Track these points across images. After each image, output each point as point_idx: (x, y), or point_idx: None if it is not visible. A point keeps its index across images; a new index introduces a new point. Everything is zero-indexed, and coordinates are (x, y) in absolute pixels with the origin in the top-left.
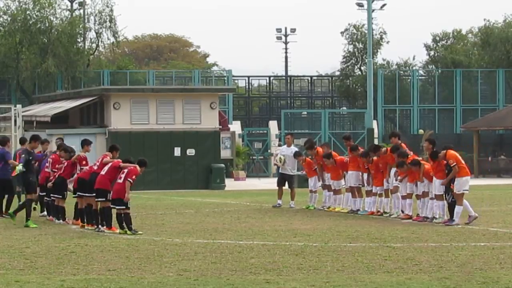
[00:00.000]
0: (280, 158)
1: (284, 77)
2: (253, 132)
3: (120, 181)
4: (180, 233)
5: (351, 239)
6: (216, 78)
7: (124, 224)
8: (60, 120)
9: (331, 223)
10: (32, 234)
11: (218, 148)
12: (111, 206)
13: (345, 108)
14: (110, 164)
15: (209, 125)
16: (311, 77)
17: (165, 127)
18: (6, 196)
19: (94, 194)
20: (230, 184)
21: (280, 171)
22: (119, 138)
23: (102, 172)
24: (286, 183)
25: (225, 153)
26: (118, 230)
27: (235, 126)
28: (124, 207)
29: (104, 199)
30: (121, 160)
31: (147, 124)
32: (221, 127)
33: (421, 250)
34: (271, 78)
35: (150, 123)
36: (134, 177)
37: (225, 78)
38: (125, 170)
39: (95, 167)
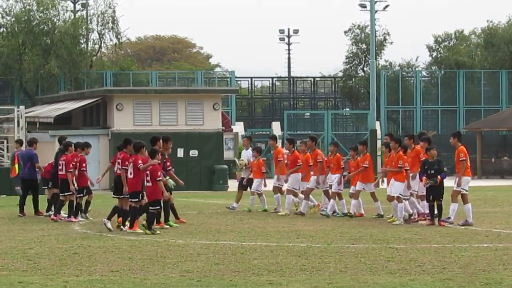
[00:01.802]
0: (248, 161)
1: (287, 78)
2: (256, 133)
3: (149, 184)
4: (183, 234)
5: (354, 240)
6: (219, 79)
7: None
8: (63, 121)
9: (334, 224)
10: (35, 235)
11: (221, 149)
12: (150, 208)
13: (348, 109)
14: (131, 165)
15: (212, 126)
16: (314, 78)
17: (168, 128)
18: (32, 195)
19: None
20: (233, 185)
21: (243, 175)
22: (122, 139)
23: (130, 176)
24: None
25: (228, 154)
26: (139, 230)
27: (238, 127)
28: (158, 207)
29: (137, 199)
30: (140, 157)
31: (150, 125)
32: (224, 128)
33: (424, 251)
34: (274, 79)
35: (153, 124)
36: (159, 173)
37: (228, 79)
38: (148, 172)
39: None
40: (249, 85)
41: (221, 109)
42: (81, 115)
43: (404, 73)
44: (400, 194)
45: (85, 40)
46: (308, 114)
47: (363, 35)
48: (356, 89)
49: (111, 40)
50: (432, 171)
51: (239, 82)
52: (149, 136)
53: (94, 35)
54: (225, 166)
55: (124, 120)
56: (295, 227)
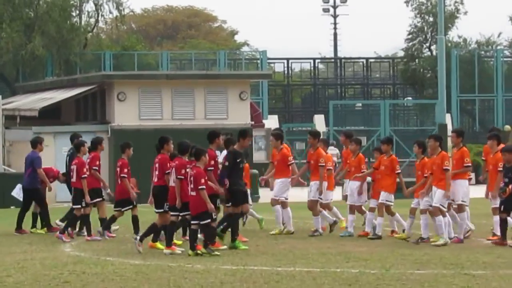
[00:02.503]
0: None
1: (332, 60)
2: (294, 129)
3: (194, 193)
4: (201, 257)
5: (419, 264)
6: (247, 61)
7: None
8: (50, 115)
9: (393, 244)
10: (14, 259)
11: (250, 150)
12: (196, 222)
13: (410, 98)
14: (173, 170)
15: (238, 121)
16: (367, 59)
17: (182, 123)
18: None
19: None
20: (265, 194)
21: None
22: (125, 137)
23: (172, 184)
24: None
25: (259, 156)
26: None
27: (271, 122)
28: (210, 220)
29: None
30: (184, 161)
31: (160, 119)
32: (253, 123)
33: (509, 278)
34: (317, 61)
35: (164, 119)
36: (203, 180)
37: (259, 61)
38: (191, 179)
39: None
40: (285, 69)
41: (249, 99)
42: (73, 107)
43: (482, 53)
44: (441, 205)
45: (77, 12)
46: (360, 104)
47: (429, 4)
48: (421, 73)
49: (110, 12)
50: (506, 179)
51: (272, 65)
52: (158, 133)
53: (90, 6)
54: (256, 171)
55: (127, 113)
56: (344, 248)
